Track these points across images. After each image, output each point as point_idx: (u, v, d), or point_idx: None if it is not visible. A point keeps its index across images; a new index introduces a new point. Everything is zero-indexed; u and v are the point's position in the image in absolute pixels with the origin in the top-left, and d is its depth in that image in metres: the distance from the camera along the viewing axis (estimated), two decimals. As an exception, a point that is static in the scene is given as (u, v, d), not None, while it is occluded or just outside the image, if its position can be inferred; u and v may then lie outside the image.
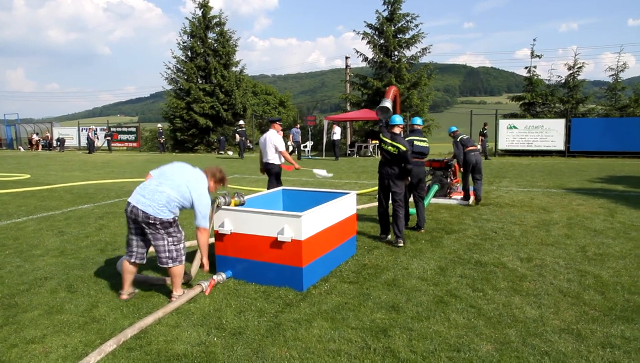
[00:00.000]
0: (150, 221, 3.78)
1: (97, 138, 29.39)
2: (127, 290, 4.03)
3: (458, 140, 8.60)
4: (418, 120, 7.16)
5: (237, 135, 22.56)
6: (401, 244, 5.69)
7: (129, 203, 3.88)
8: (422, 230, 6.48)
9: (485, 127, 20.54)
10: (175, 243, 3.92)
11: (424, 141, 6.74)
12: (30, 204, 8.87)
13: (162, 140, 27.91)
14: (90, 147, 27.79)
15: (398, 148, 5.80)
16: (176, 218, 3.92)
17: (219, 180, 4.18)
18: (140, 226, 3.88)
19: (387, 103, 6.42)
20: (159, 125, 29.38)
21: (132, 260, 3.99)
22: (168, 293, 4.06)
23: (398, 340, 3.23)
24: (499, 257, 5.19)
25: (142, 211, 3.77)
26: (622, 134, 19.49)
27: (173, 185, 3.87)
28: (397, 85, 21.77)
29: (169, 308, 3.71)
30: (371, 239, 6.03)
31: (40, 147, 32.66)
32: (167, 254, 3.90)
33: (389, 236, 6.02)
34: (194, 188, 3.91)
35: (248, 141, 24.50)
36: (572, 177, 12.68)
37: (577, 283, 4.33)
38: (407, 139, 6.43)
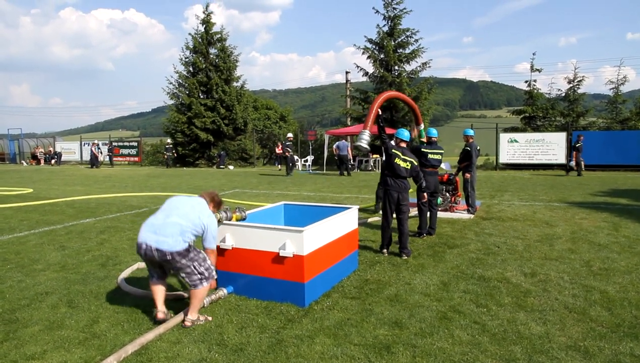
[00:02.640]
0: (167, 258, 3.66)
1: (101, 152, 29.45)
2: (162, 308, 3.81)
3: (478, 149, 8.80)
4: (434, 132, 7.36)
5: (288, 150, 19.76)
6: (410, 255, 5.82)
7: (139, 245, 3.74)
8: (424, 236, 6.89)
9: (580, 140, 18.04)
10: (202, 262, 3.81)
11: (438, 154, 7.13)
12: (32, 218, 8.86)
13: (169, 155, 27.82)
14: (94, 162, 27.84)
15: (411, 162, 5.99)
16: (191, 243, 3.81)
17: (217, 203, 4.15)
18: (158, 262, 3.77)
19: (363, 140, 6.33)
20: (169, 140, 29.15)
21: (153, 281, 3.91)
22: (171, 308, 4.01)
23: (402, 357, 3.19)
24: (503, 272, 5.15)
25: (156, 249, 3.66)
26: (624, 147, 19.53)
27: (181, 214, 3.79)
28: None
29: (170, 324, 3.67)
30: (373, 254, 6.00)
31: (42, 161, 32.83)
32: (198, 276, 3.77)
33: (387, 252, 5.99)
34: (202, 211, 3.87)
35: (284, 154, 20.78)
36: (575, 190, 12.65)
37: (582, 298, 4.28)
38: (424, 151, 6.95)
